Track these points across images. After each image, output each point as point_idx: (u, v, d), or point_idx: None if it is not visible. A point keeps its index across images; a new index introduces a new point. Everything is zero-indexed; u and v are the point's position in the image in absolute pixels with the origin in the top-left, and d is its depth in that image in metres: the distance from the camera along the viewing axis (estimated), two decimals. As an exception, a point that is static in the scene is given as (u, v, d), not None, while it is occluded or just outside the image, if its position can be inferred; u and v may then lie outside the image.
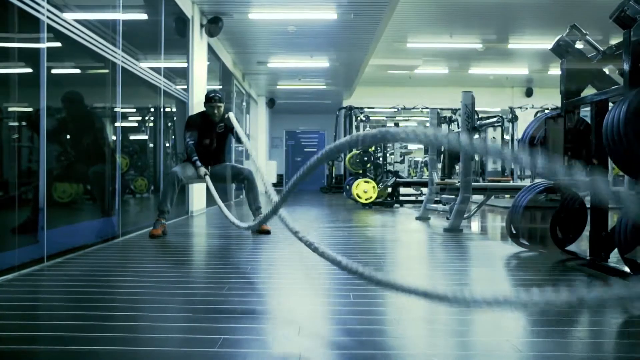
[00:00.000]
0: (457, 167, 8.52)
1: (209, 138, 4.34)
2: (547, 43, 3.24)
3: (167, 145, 5.62)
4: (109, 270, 2.69)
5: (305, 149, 18.32)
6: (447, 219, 5.38)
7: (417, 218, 5.76)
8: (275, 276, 2.59)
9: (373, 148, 7.91)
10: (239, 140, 4.24)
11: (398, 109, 11.34)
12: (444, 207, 5.32)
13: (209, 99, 4.28)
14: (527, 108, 12.74)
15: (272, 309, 1.96)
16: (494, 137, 13.46)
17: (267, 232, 4.19)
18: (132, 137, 4.71)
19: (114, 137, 3.91)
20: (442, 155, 8.34)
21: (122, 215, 3.93)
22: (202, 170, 4.17)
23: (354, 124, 10.76)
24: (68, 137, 3.36)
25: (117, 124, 3.94)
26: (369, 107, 11.55)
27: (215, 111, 4.27)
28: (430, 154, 5.76)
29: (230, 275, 2.56)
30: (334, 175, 13.68)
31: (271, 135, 15.67)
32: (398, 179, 7.71)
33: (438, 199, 5.62)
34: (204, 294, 2.15)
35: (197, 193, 6.28)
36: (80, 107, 3.54)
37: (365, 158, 7.58)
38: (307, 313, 1.88)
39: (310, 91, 13.09)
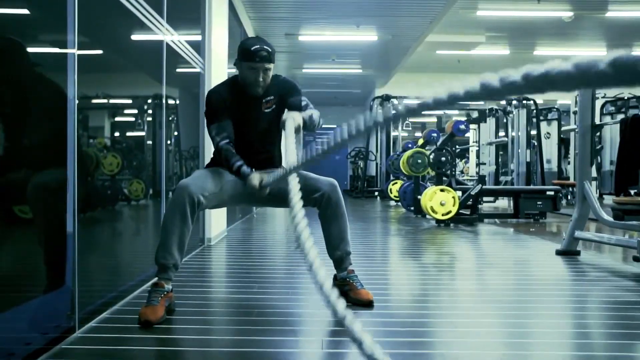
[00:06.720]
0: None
1: (250, 126, 2.25)
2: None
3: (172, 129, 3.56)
4: None
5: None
6: (636, 259, 3.35)
7: (558, 252, 3.72)
8: None
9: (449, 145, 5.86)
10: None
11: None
12: (617, 238, 3.29)
13: (250, 54, 2.13)
14: (598, 97, 10.78)
15: None
16: (548, 133, 11.48)
17: (369, 304, 2.16)
18: (117, 120, 2.63)
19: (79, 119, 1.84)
20: (598, 154, 6.16)
21: (82, 281, 1.86)
22: (256, 177, 2.04)
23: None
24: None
25: (70, 80, 1.86)
26: (409, 97, 9.62)
27: (261, 77, 2.15)
28: (581, 145, 3.65)
29: None
30: (365, 176, 11.62)
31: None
32: (484, 187, 5.67)
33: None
34: None
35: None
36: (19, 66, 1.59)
37: (443, 158, 5.52)
38: None
39: (340, 77, 11.05)
